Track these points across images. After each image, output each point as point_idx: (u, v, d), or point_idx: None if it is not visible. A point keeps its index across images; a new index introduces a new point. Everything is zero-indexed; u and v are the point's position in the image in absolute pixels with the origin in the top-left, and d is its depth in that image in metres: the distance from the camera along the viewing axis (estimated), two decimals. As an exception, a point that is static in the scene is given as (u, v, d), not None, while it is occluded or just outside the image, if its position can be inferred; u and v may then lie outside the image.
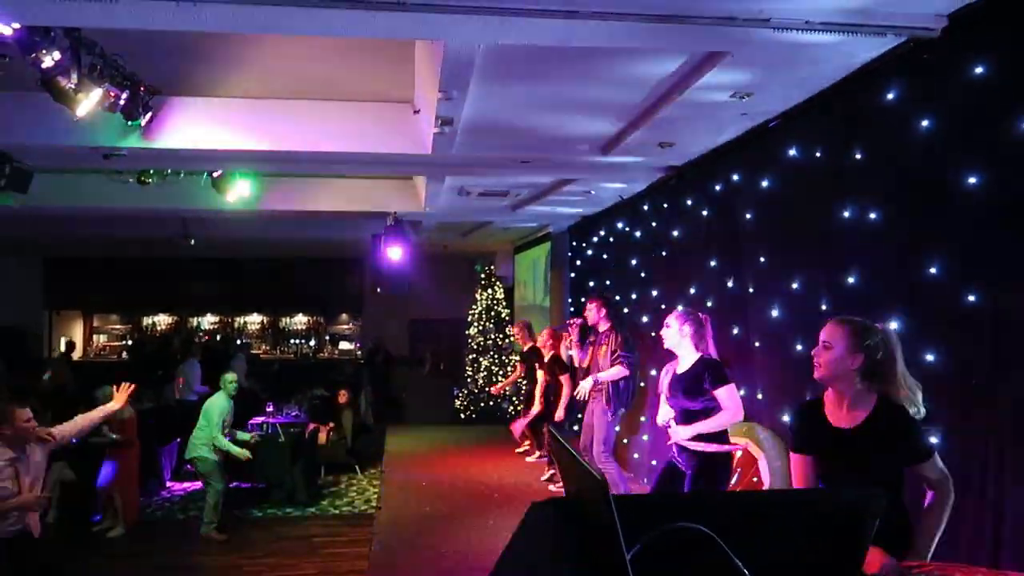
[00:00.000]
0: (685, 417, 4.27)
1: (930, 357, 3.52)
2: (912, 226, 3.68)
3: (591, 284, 9.92)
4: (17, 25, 3.73)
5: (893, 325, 3.17)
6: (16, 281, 15.97)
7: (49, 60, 4.25)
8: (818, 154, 4.54)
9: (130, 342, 17.38)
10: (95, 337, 18.14)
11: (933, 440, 3.13)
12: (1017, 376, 3.05)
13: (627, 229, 8.48)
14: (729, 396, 4.24)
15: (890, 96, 3.81)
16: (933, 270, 3.51)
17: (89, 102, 4.69)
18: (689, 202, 6.58)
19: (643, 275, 7.81)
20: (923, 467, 2.59)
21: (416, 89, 5.55)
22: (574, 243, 10.98)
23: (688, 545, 1.34)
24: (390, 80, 5.55)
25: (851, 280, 4.19)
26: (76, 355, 16.65)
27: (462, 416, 13.48)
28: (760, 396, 5.47)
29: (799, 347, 4.74)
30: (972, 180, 3.26)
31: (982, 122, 3.24)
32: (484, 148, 6.07)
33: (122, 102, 5.15)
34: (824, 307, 4.46)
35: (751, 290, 5.46)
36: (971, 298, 3.27)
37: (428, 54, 4.53)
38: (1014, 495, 3.09)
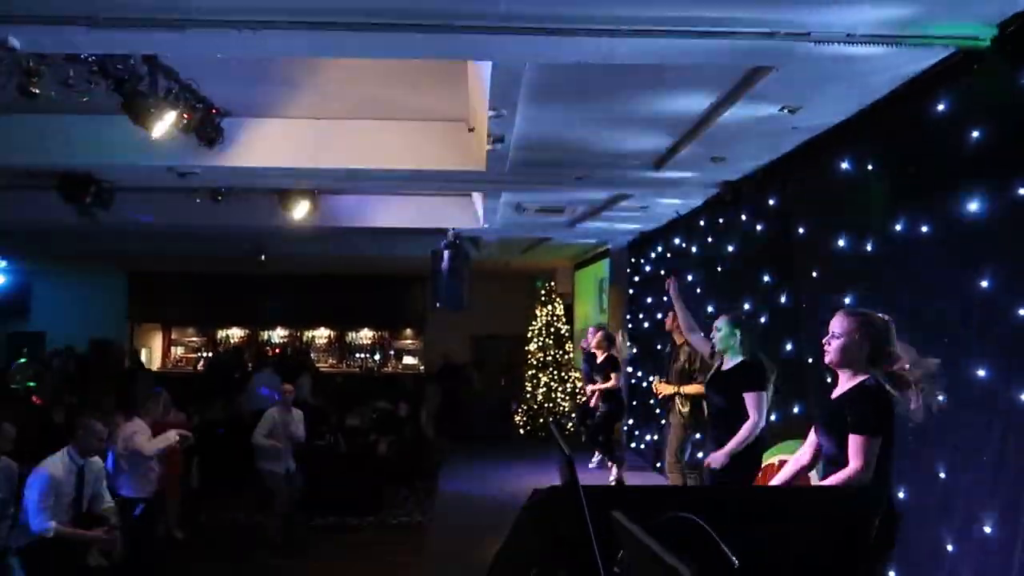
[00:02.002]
0: (718, 416, 4.40)
1: (981, 372, 3.45)
2: (964, 240, 3.62)
3: (649, 300, 9.90)
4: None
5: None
6: (103, 295, 16.84)
7: (128, 84, 4.58)
8: (870, 167, 4.49)
9: (208, 354, 18.04)
10: (173, 349, 18.92)
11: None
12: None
13: (683, 245, 8.46)
14: (752, 403, 4.32)
15: (940, 108, 3.77)
16: (985, 284, 3.45)
17: (165, 124, 5.01)
18: (744, 217, 6.56)
19: (699, 291, 7.77)
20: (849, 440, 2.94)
21: (470, 107, 5.72)
22: (632, 259, 10.98)
23: (686, 538, 1.39)
24: (446, 99, 5.73)
25: (904, 294, 4.12)
26: (155, 366, 17.42)
27: (521, 432, 13.56)
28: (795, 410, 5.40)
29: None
30: (1022, 192, 3.20)
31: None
32: (537, 164, 6.20)
33: (196, 123, 5.49)
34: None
35: (804, 305, 5.40)
36: (1022, 312, 3.20)
37: (479, 73, 4.68)
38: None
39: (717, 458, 4.55)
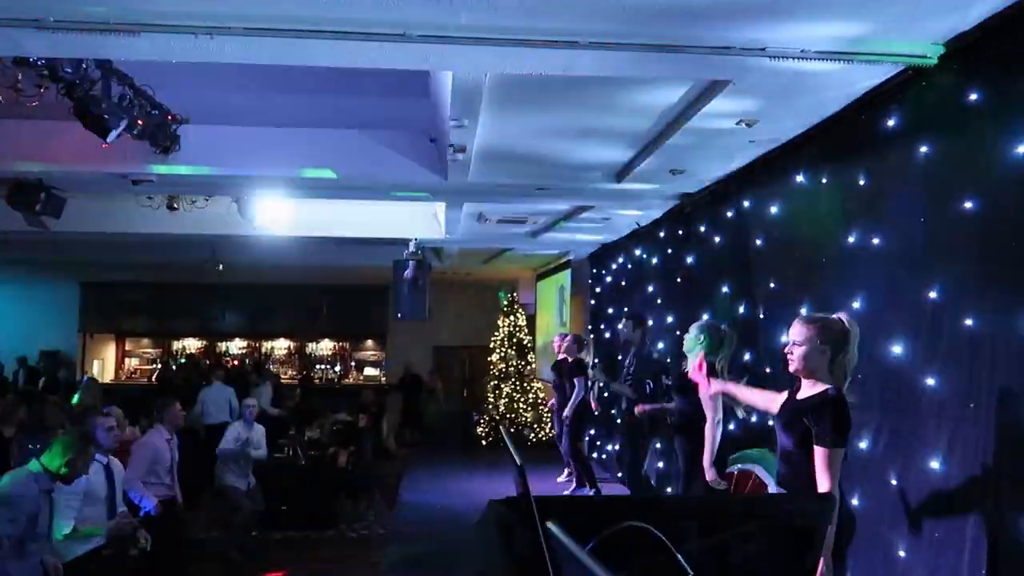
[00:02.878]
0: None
1: (931, 381, 3.53)
2: (914, 251, 3.70)
3: (610, 311, 9.96)
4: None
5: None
6: (54, 305, 16.40)
7: (81, 89, 4.48)
8: (824, 180, 4.58)
9: (159, 366, 17.67)
10: (127, 360, 18.49)
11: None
12: (1013, 401, 3.06)
13: (644, 256, 8.54)
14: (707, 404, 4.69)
15: (891, 123, 3.86)
16: (933, 295, 3.53)
17: (118, 129, 4.91)
18: (702, 228, 6.64)
19: (659, 301, 7.84)
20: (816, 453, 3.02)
21: (432, 117, 5.71)
22: (594, 270, 11.05)
23: (642, 547, 1.38)
24: (407, 108, 5.73)
25: (857, 305, 4.21)
26: (107, 378, 17.00)
27: (483, 442, 13.50)
28: (771, 422, 5.45)
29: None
30: (968, 205, 3.29)
31: (978, 148, 3.28)
32: (499, 175, 6.20)
33: (151, 130, 5.39)
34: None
35: (762, 315, 5.48)
36: (968, 322, 3.29)
37: (440, 83, 4.67)
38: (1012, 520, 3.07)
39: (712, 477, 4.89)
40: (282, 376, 17.92)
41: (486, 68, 3.77)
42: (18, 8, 3.05)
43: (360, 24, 3.20)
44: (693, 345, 4.94)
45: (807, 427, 3.09)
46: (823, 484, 2.96)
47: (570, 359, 8.71)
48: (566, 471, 9.28)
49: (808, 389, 3.22)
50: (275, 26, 3.20)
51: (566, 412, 8.47)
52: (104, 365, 17.70)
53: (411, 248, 9.36)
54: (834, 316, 3.25)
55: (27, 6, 3.04)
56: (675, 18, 3.22)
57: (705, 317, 5.59)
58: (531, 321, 14.78)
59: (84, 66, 4.42)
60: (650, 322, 7.78)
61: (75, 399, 11.90)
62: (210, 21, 3.17)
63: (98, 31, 3.17)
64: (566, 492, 8.52)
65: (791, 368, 3.22)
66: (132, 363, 18.44)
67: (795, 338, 3.20)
